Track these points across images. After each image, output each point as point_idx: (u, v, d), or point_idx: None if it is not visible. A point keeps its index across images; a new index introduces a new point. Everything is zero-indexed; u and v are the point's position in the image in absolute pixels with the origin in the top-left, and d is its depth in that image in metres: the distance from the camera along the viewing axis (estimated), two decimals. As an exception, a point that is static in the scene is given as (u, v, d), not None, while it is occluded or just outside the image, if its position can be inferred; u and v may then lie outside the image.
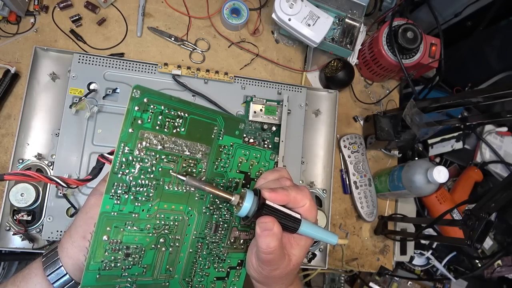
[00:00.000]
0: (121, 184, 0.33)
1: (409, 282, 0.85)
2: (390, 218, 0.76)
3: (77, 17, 0.67)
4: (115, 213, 0.33)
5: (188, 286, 0.40)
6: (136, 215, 0.34)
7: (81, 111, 0.61)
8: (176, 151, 0.36)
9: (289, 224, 0.35)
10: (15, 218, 0.57)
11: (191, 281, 0.40)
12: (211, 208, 0.39)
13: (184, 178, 0.35)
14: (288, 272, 0.37)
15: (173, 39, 0.71)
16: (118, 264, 0.34)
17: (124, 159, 0.33)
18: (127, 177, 0.33)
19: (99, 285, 0.33)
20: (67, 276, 0.35)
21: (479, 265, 0.83)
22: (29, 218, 0.57)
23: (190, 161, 0.37)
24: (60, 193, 0.59)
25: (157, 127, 0.34)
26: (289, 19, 0.67)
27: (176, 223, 0.37)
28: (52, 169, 0.59)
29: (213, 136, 0.38)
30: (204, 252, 0.40)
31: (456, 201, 0.80)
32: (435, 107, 0.64)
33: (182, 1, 0.73)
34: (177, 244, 0.38)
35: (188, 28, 0.73)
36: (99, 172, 0.37)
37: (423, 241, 0.83)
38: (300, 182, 0.69)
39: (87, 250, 0.33)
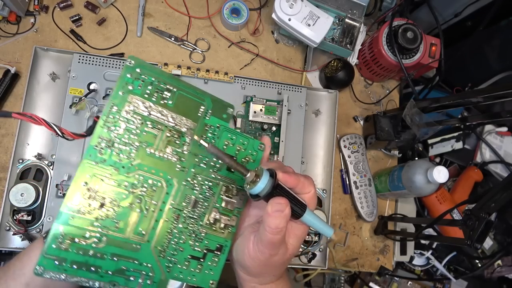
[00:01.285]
0: (105, 138, 0.36)
1: (409, 282, 0.85)
2: (390, 218, 0.76)
3: (77, 17, 0.67)
4: (96, 163, 0.36)
5: (160, 256, 0.40)
6: (116, 170, 0.37)
7: (81, 111, 0.61)
8: (162, 120, 0.38)
9: (296, 208, 0.36)
10: (15, 218, 0.57)
11: (163, 251, 0.40)
12: (191, 182, 0.40)
13: (206, 144, 0.36)
14: (284, 261, 0.38)
15: (173, 39, 0.71)
16: (92, 212, 0.36)
17: (111, 117, 0.36)
18: (112, 133, 0.36)
19: (72, 227, 0.35)
20: None
21: (479, 265, 0.83)
22: (29, 218, 0.57)
23: (174, 132, 0.39)
24: (60, 193, 0.59)
25: (145, 95, 0.37)
26: (289, 19, 0.67)
27: (154, 188, 0.39)
28: (52, 169, 0.59)
29: (199, 114, 0.40)
30: (180, 225, 0.40)
31: (456, 201, 0.80)
32: (435, 107, 0.64)
33: (182, 1, 0.73)
34: (152, 209, 0.39)
35: (188, 28, 0.73)
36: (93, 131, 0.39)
37: (423, 241, 0.83)
38: (300, 182, 0.69)
39: None
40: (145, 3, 0.70)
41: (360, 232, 0.76)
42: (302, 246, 0.67)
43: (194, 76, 0.66)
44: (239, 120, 0.66)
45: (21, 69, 0.64)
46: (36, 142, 0.61)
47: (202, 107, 0.40)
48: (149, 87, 0.37)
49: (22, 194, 0.56)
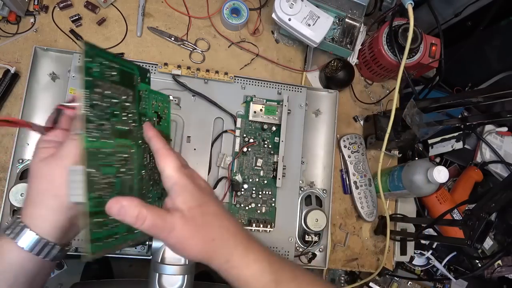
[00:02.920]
0: (89, 125, 0.37)
1: (409, 282, 0.85)
2: (390, 218, 0.76)
3: (77, 17, 0.67)
4: (95, 150, 0.37)
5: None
6: (106, 150, 0.39)
7: (81, 111, 0.61)
8: (117, 95, 0.41)
9: None
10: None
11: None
12: (140, 141, 0.45)
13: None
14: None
15: (173, 39, 0.71)
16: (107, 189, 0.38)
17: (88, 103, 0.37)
18: (93, 118, 0.37)
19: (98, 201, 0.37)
20: (37, 236, 0.36)
21: (479, 265, 0.83)
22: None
23: (127, 104, 0.42)
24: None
25: (104, 76, 0.39)
26: (289, 19, 0.67)
27: (128, 155, 0.42)
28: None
29: (134, 83, 0.45)
30: (146, 177, 0.45)
31: (456, 201, 0.80)
32: (435, 107, 0.64)
33: (182, 1, 0.73)
34: (130, 172, 0.42)
35: (188, 28, 0.73)
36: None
37: (423, 241, 0.83)
38: (300, 182, 0.69)
39: (63, 207, 0.37)
40: (145, 3, 0.70)
41: (360, 232, 0.76)
42: (302, 246, 0.67)
43: (194, 76, 0.66)
44: (239, 120, 0.66)
45: (21, 69, 0.64)
46: (36, 142, 0.61)
47: (135, 76, 0.45)
48: (104, 68, 0.39)
49: (22, 194, 0.56)
